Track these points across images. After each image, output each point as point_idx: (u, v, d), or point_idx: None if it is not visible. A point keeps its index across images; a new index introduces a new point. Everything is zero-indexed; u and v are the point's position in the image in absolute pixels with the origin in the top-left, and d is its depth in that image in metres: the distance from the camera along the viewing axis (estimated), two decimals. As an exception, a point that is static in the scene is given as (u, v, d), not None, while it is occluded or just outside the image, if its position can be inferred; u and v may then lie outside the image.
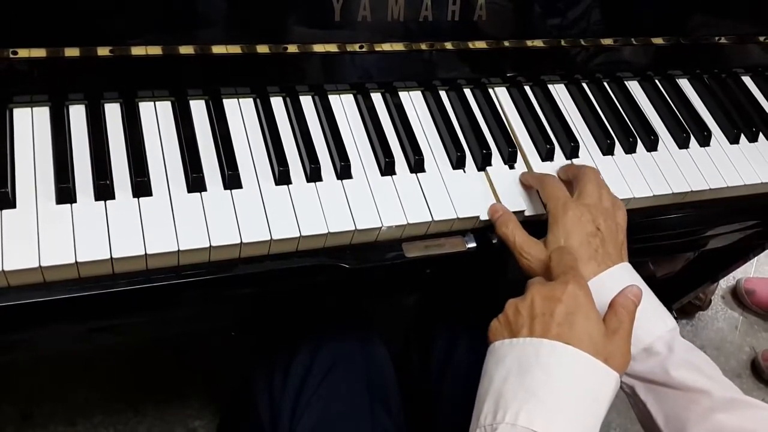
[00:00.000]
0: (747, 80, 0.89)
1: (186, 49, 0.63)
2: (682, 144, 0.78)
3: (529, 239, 0.61)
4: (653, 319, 0.58)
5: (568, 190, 0.64)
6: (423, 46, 0.71)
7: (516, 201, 0.67)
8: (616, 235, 0.61)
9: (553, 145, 0.72)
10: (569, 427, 0.47)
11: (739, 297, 1.68)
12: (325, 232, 0.59)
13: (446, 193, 0.66)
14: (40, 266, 0.51)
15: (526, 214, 0.67)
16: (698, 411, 0.53)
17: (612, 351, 0.51)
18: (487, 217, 0.65)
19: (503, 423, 0.47)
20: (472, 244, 0.65)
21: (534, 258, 0.60)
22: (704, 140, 0.78)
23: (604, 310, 0.54)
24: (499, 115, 0.74)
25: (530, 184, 0.68)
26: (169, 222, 0.56)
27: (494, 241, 0.65)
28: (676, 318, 1.36)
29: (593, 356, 0.49)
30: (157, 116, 0.63)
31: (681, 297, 1.36)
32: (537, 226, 0.64)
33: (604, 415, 0.50)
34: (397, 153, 0.67)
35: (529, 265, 0.60)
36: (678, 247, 0.95)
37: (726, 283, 1.71)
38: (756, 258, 1.64)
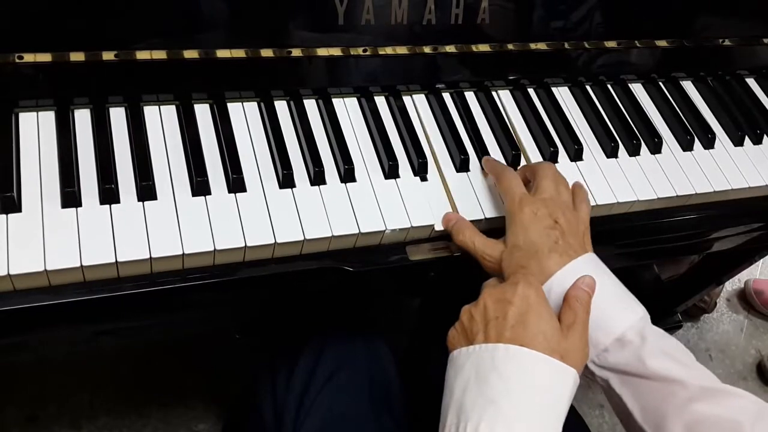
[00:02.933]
0: (751, 82, 0.88)
1: (190, 54, 0.63)
2: (686, 146, 0.77)
3: (487, 241, 0.61)
4: (622, 309, 0.57)
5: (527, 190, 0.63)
6: (426, 50, 0.71)
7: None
8: (577, 227, 0.60)
9: (557, 147, 0.72)
10: (531, 431, 0.47)
11: (747, 298, 1.67)
12: (329, 235, 0.59)
13: (450, 197, 0.66)
14: (45, 270, 0.51)
15: None
16: (675, 402, 0.53)
17: (567, 347, 0.50)
18: (490, 217, 0.65)
19: None
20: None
21: (496, 259, 0.60)
22: (708, 143, 0.78)
23: None
24: (503, 118, 0.74)
25: (489, 172, 0.67)
26: (173, 226, 0.56)
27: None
28: (681, 320, 1.36)
29: (549, 355, 0.49)
30: (161, 120, 0.64)
31: (686, 299, 1.36)
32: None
33: (566, 412, 0.49)
34: (400, 156, 0.67)
35: (492, 267, 0.60)
36: (682, 249, 0.94)
37: (731, 285, 1.70)
38: (762, 260, 1.64)
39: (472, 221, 0.64)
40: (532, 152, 0.73)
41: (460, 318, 0.54)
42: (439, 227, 0.63)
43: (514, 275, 0.54)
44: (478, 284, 0.60)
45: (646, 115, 0.79)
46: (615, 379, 0.57)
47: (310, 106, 0.69)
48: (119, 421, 1.21)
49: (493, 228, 0.65)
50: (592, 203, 0.69)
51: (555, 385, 0.49)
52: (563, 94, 0.79)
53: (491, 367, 0.49)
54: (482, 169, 0.69)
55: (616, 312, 0.56)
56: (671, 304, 1.35)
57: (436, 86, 0.74)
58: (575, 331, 0.52)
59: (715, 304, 1.62)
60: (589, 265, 0.58)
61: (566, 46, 0.77)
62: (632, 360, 0.55)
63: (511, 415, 0.47)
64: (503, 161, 0.71)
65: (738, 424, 0.50)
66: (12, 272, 0.51)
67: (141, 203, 0.57)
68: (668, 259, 1.29)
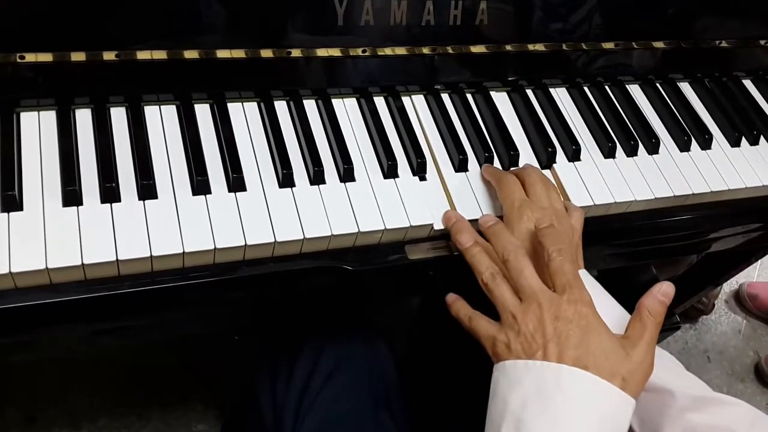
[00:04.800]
0: (748, 83, 0.89)
1: (191, 54, 0.63)
2: (684, 147, 0.78)
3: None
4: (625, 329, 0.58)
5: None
6: (425, 51, 0.72)
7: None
8: (572, 238, 0.60)
9: (555, 148, 0.73)
10: None
11: (741, 301, 1.68)
12: (328, 234, 0.60)
13: (448, 196, 0.66)
14: (46, 268, 0.52)
15: None
16: (670, 413, 0.53)
17: (631, 367, 0.49)
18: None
19: None
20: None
21: None
22: (705, 143, 0.79)
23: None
24: (501, 118, 0.74)
25: (489, 179, 0.67)
26: (174, 224, 0.57)
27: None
28: (679, 322, 1.36)
29: (611, 378, 0.48)
30: (162, 120, 0.64)
31: (684, 301, 1.36)
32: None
33: None
34: (399, 156, 0.67)
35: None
36: (680, 250, 0.95)
37: (729, 287, 1.71)
38: (759, 262, 1.65)
39: (469, 220, 0.65)
40: (529, 153, 0.73)
41: (506, 324, 0.52)
42: (438, 226, 0.64)
43: (570, 291, 0.52)
44: (477, 284, 0.60)
45: (644, 116, 0.80)
46: None
47: (310, 106, 0.69)
48: (119, 422, 1.21)
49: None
50: (590, 203, 0.69)
51: (617, 413, 0.49)
52: (561, 95, 0.79)
53: (555, 388, 0.48)
54: (482, 175, 0.69)
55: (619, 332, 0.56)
56: (669, 306, 1.35)
57: (435, 87, 0.74)
58: (640, 347, 0.50)
59: (713, 305, 1.62)
60: (585, 283, 0.57)
61: (564, 47, 0.77)
62: None
63: None
64: (500, 163, 0.71)
65: None
66: (14, 270, 0.51)
67: (142, 202, 0.57)
68: (666, 259, 1.29)
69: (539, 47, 0.76)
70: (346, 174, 0.64)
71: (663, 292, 0.52)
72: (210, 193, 0.60)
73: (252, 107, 0.68)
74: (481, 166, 0.70)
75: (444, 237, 0.65)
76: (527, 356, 0.50)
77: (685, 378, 0.56)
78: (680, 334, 1.58)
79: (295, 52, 0.67)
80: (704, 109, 0.84)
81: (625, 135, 0.76)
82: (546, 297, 0.52)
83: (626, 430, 0.49)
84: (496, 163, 0.70)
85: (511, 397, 0.49)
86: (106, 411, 1.22)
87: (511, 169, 0.69)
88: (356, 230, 0.61)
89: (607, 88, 0.81)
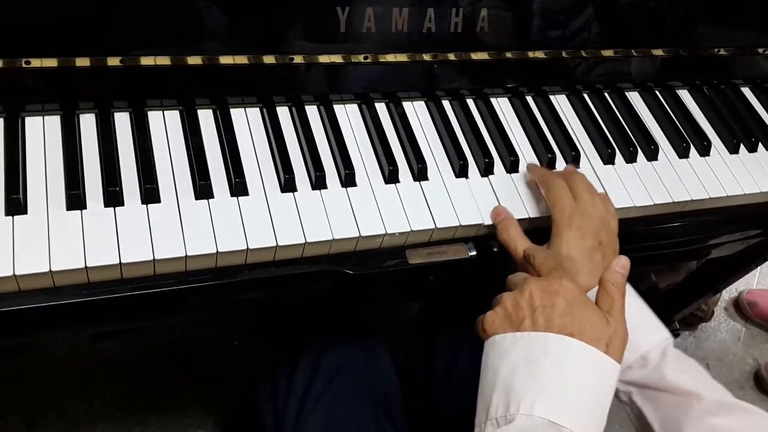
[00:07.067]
0: (746, 91, 0.90)
1: (194, 60, 0.64)
2: (682, 154, 0.78)
3: (529, 246, 0.62)
4: (650, 329, 0.59)
5: None
6: (426, 57, 0.72)
7: (518, 209, 0.68)
8: (615, 246, 0.63)
9: (555, 154, 0.73)
10: (582, 417, 0.48)
11: (741, 309, 1.68)
12: (330, 238, 0.60)
13: (449, 201, 0.66)
14: (50, 271, 0.52)
15: (531, 217, 0.68)
16: (693, 415, 0.54)
17: (611, 334, 0.52)
18: (489, 223, 0.66)
19: (519, 414, 0.48)
20: (475, 252, 0.66)
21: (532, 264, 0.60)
22: (704, 150, 0.79)
23: None
24: (501, 124, 0.75)
25: (535, 179, 0.68)
26: (176, 228, 0.57)
27: (495, 249, 0.66)
28: (678, 329, 1.36)
29: (596, 343, 0.50)
30: (165, 125, 0.64)
31: (683, 308, 1.36)
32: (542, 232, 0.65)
33: (609, 405, 0.51)
34: (400, 161, 0.68)
35: (525, 270, 0.61)
36: (679, 256, 0.95)
37: (728, 294, 1.71)
38: (758, 269, 1.65)
39: (468, 225, 0.65)
40: (529, 158, 0.73)
41: (501, 303, 0.55)
42: (442, 225, 0.64)
43: (556, 271, 0.56)
44: (477, 288, 0.60)
45: (643, 123, 0.80)
46: (636, 393, 0.59)
47: (312, 111, 0.70)
48: (118, 428, 1.21)
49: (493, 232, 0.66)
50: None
51: (603, 377, 0.51)
52: (561, 102, 0.80)
53: (543, 355, 0.50)
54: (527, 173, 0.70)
55: (643, 332, 0.58)
56: (668, 313, 1.36)
57: (436, 93, 0.75)
58: (614, 316, 0.53)
59: (713, 312, 1.62)
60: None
61: (564, 54, 0.78)
62: (653, 375, 0.57)
63: (565, 400, 0.49)
64: (502, 167, 0.71)
65: None
66: (17, 273, 0.51)
67: (144, 206, 0.58)
68: (665, 265, 1.30)
69: (539, 54, 0.77)
70: (348, 179, 0.65)
71: (621, 265, 0.55)
72: (212, 197, 0.60)
73: (254, 113, 0.68)
74: (481, 172, 0.70)
75: (444, 242, 0.66)
76: (515, 328, 0.53)
77: (710, 383, 0.57)
78: (679, 342, 1.58)
79: (298, 59, 0.67)
80: (703, 116, 0.85)
81: (624, 141, 0.77)
82: (533, 278, 0.56)
83: (612, 394, 0.51)
84: (497, 168, 0.71)
85: (501, 366, 0.51)
86: (105, 416, 1.22)
87: (556, 171, 0.70)
88: (357, 235, 0.61)
89: (606, 95, 0.82)
